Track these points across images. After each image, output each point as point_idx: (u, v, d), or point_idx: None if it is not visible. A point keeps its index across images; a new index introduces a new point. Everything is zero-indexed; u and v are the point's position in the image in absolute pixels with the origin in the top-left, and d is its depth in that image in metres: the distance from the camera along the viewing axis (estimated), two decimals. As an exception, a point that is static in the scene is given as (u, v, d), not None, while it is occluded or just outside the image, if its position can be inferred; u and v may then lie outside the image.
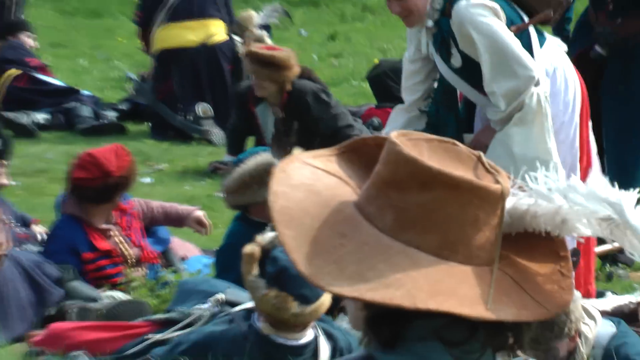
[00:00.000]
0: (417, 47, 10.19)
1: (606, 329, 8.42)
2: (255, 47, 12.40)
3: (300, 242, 2.64)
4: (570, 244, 3.86)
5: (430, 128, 9.39)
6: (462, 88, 9.83)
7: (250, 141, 12.23)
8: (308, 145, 10.78)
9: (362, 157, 3.02)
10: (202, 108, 14.26)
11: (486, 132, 9.77)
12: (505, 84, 9.28)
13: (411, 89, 10.10)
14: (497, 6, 9.10)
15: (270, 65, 12.20)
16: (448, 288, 2.49)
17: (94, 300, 9.50)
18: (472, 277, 2.59)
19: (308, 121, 12.35)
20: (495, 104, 9.49)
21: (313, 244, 2.66)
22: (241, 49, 14.12)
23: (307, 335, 8.22)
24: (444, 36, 9.65)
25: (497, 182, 2.56)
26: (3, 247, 9.29)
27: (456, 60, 9.47)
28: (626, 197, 2.75)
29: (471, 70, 9.43)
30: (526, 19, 9.21)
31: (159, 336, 9.04)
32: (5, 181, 9.91)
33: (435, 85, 9.90)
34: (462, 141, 7.07)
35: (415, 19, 9.53)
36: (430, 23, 9.37)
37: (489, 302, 2.52)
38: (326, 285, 2.48)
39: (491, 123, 9.71)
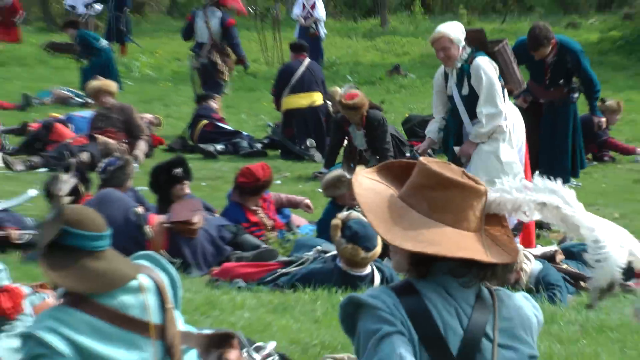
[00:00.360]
0: (439, 88, 10.94)
1: (537, 266, 8.77)
2: (342, 97, 13.62)
3: (378, 221, 3.04)
4: (512, 222, 4.95)
5: (446, 130, 10.68)
6: (461, 110, 10.32)
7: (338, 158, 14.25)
8: (372, 150, 13.13)
9: (391, 172, 3.36)
10: (310, 142, 16.38)
11: (468, 145, 10.35)
12: (489, 109, 10.01)
13: (437, 110, 11.03)
14: (496, 66, 10.14)
15: (353, 107, 13.25)
16: (459, 244, 2.93)
17: (257, 247, 10.03)
18: (472, 237, 3.02)
19: (374, 133, 13.48)
20: (479, 121, 10.11)
21: (384, 221, 3.07)
22: (331, 109, 16.05)
23: (367, 270, 8.73)
24: (463, 74, 10.27)
25: (480, 184, 3.01)
26: (199, 224, 9.75)
27: (465, 90, 10.18)
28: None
29: (471, 98, 10.16)
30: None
31: (284, 270, 9.21)
32: (188, 191, 10.52)
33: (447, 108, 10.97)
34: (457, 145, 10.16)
35: (451, 62, 10.22)
36: (458, 65, 10.20)
37: (487, 252, 2.98)
38: (399, 244, 2.97)
39: (471, 137, 10.24)
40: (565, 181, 9.65)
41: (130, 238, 9.16)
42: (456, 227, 3.02)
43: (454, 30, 10.17)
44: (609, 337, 7.03)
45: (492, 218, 3.23)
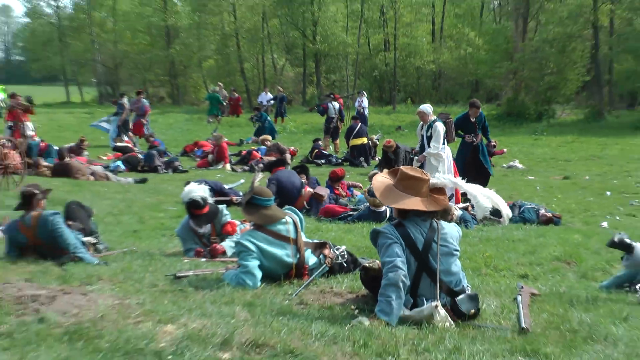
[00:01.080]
0: (418, 132, 16.85)
1: (459, 212, 12.00)
2: (386, 142, 22.04)
3: (380, 195, 6.29)
4: (450, 191, 13.12)
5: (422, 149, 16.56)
6: (425, 142, 16.33)
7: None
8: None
9: (392, 173, 6.55)
10: (362, 159, 25.80)
11: (422, 157, 16.35)
12: (435, 144, 15.95)
13: (419, 141, 16.84)
14: (443, 127, 15.80)
15: (390, 147, 21.60)
16: (415, 203, 5.99)
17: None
18: (422, 200, 6.03)
19: (398, 154, 21.39)
20: (432, 146, 16.03)
21: (383, 195, 6.26)
22: (371, 143, 26.98)
23: (383, 208, 12.21)
24: (429, 127, 16.17)
25: (426, 176, 6.18)
26: (325, 196, 13.96)
27: (428, 133, 16.18)
28: (458, 180, 6.72)
29: (429, 138, 16.10)
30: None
31: (350, 213, 12.85)
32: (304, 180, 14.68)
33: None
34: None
35: (425, 121, 16.37)
36: (428, 123, 16.16)
37: (428, 205, 6.03)
38: (389, 205, 7.91)
39: (425, 153, 16.34)
40: (487, 177, 17.21)
41: (294, 196, 13.54)
42: (415, 196, 6.04)
43: (427, 108, 16.72)
44: (492, 243, 10.31)
45: (438, 190, 6.23)
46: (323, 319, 5.69)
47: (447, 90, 57.32)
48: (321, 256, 7.55)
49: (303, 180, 14.53)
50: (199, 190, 9.29)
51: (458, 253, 6.05)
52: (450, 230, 6.06)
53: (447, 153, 16.33)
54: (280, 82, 54.78)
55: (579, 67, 46.29)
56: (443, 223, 6.06)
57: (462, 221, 11.89)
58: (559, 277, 8.17)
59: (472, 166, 16.82)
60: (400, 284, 5.56)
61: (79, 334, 5.09)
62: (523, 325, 5.46)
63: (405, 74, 57.06)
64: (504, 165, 24.87)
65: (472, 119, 17.06)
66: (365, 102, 35.37)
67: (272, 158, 21.77)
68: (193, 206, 9.16)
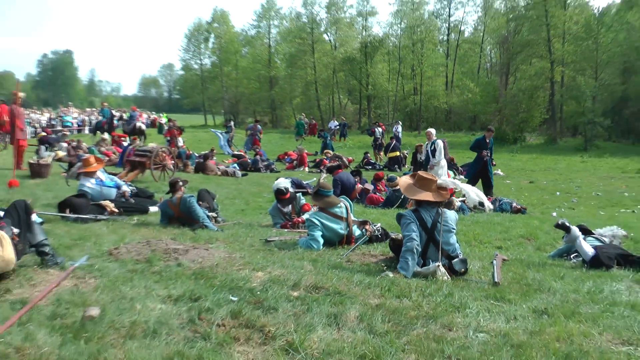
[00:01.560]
0: (424, 147, 17.08)
1: (459, 203, 11.65)
2: (417, 145, 23.10)
3: (406, 191, 6.34)
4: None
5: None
6: (430, 154, 16.19)
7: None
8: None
9: (412, 176, 6.46)
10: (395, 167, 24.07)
11: (431, 166, 15.79)
12: (438, 156, 15.92)
13: (424, 153, 17.23)
14: (445, 144, 16.44)
15: (419, 147, 20.50)
16: (427, 196, 6.00)
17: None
18: (432, 194, 6.06)
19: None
20: (434, 158, 15.98)
21: (406, 190, 6.32)
22: (406, 155, 25.39)
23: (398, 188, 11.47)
24: (433, 144, 16.11)
25: (435, 178, 6.18)
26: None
27: (431, 148, 16.10)
28: (457, 181, 6.70)
29: (432, 151, 16.03)
30: None
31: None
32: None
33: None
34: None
35: (430, 139, 16.27)
36: (432, 141, 15.99)
37: (435, 197, 6.03)
38: (410, 197, 6.41)
39: (431, 162, 16.05)
40: (491, 183, 15.93)
41: (350, 189, 13.32)
42: (427, 191, 6.15)
43: (432, 130, 16.90)
44: (479, 225, 10.28)
45: (443, 188, 6.25)
46: (362, 272, 5.80)
47: (455, 121, 56.92)
48: (363, 230, 7.63)
49: (357, 180, 14.44)
50: (283, 182, 9.51)
51: (455, 230, 6.10)
52: (451, 215, 6.12)
53: (443, 163, 16.24)
54: (343, 113, 55.00)
55: (541, 108, 47.21)
56: (446, 210, 6.13)
57: (460, 209, 11.76)
58: (522, 249, 8.17)
59: (481, 174, 15.79)
60: (414, 250, 5.75)
61: (201, 274, 5.33)
62: (496, 279, 5.57)
63: (427, 110, 56.65)
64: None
65: (487, 140, 15.96)
66: (400, 129, 34.63)
67: (334, 164, 21.71)
68: (279, 193, 9.38)
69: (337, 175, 14.24)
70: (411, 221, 5.92)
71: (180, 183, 9.19)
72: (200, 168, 19.76)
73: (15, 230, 5.34)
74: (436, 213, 6.01)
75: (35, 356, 3.55)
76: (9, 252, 4.94)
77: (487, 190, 15.28)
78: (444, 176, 14.11)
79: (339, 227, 7.43)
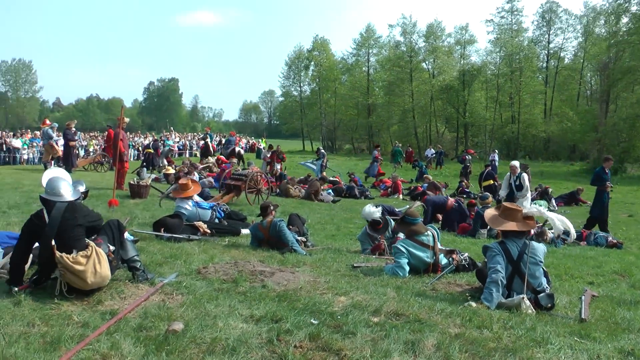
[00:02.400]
0: (506, 180, 14.88)
1: (551, 235, 11.47)
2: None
3: (492, 223, 6.32)
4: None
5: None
6: (514, 188, 14.55)
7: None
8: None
9: (497, 209, 6.43)
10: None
11: (518, 199, 14.17)
12: (525, 192, 14.44)
13: (506, 186, 14.76)
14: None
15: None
16: (512, 226, 5.94)
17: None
18: (517, 224, 6.00)
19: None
20: (522, 192, 14.27)
21: (493, 222, 6.28)
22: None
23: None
24: (517, 177, 14.53)
25: (520, 208, 6.15)
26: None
27: (516, 182, 14.46)
28: (542, 209, 6.54)
29: (517, 186, 14.44)
30: None
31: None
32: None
33: None
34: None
35: (515, 173, 14.49)
36: (517, 175, 14.32)
37: (521, 227, 5.99)
38: (496, 228, 6.33)
39: (517, 195, 14.40)
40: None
41: (443, 206, 13.93)
42: (512, 221, 6.10)
43: (516, 163, 14.99)
44: (571, 259, 9.77)
45: (529, 217, 6.19)
46: (445, 300, 5.77)
47: (553, 150, 56.02)
48: (450, 258, 7.56)
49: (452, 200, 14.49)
50: (374, 210, 9.28)
51: (542, 263, 5.97)
52: (539, 247, 6.00)
53: (528, 195, 14.97)
54: (440, 141, 54.17)
55: None
56: (534, 242, 6.02)
57: (552, 241, 11.47)
58: (615, 286, 7.83)
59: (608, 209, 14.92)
60: (499, 282, 5.66)
61: (285, 296, 5.43)
62: (582, 316, 5.38)
63: (524, 138, 55.93)
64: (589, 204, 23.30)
65: (606, 171, 14.83)
66: (496, 157, 34.03)
67: (431, 192, 20.94)
68: (375, 223, 9.23)
69: (426, 198, 14.34)
70: (497, 253, 5.87)
71: (272, 207, 9.29)
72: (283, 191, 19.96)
73: (112, 248, 5.65)
74: (523, 244, 5.90)
75: (119, 365, 3.77)
76: (106, 269, 5.25)
77: (603, 225, 14.50)
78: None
79: (425, 256, 7.37)
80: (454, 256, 7.61)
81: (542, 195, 21.00)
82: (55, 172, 6.30)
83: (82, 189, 7.83)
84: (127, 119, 16.44)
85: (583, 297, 5.89)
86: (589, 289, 6.66)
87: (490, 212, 6.46)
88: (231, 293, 5.60)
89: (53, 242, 5.25)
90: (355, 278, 6.76)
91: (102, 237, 5.69)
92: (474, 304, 5.56)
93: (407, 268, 7.18)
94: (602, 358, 4.27)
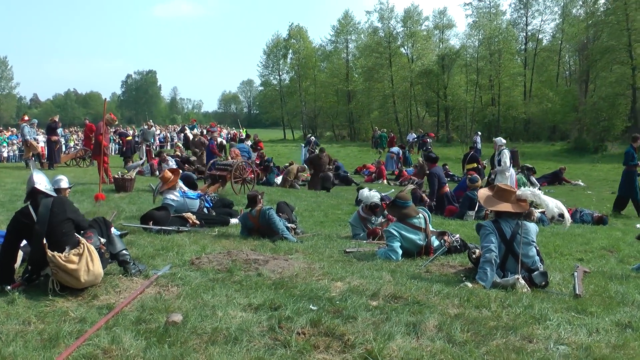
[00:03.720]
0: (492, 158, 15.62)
1: (538, 214, 11.49)
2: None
3: (485, 203, 6.26)
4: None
5: None
6: (496, 163, 15.10)
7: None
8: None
9: (491, 189, 6.39)
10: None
11: (495, 172, 15.04)
12: (504, 165, 14.57)
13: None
14: (509, 154, 15.71)
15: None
16: (506, 207, 5.94)
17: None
18: (511, 205, 5.98)
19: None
20: (501, 166, 14.69)
21: (487, 202, 6.22)
22: (485, 166, 22.53)
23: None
24: (499, 153, 14.96)
25: (513, 189, 6.11)
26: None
27: (498, 157, 14.99)
28: (536, 191, 6.39)
29: (498, 161, 14.98)
30: None
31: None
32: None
33: None
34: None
35: (496, 149, 14.89)
36: (498, 150, 14.90)
37: (515, 209, 5.96)
38: (489, 208, 6.51)
39: (496, 170, 14.88)
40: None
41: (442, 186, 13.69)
42: (506, 202, 6.08)
43: (499, 140, 15.43)
44: (559, 237, 9.81)
45: (521, 199, 6.14)
46: (440, 282, 5.77)
47: (534, 131, 55.75)
48: (442, 240, 7.57)
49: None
50: (372, 194, 9.27)
51: (535, 243, 5.99)
52: (531, 227, 6.03)
53: (511, 172, 15.20)
54: (421, 126, 53.95)
55: (622, 116, 45.36)
56: (526, 222, 6.04)
57: (539, 221, 11.56)
58: (604, 261, 7.91)
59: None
60: (493, 261, 5.69)
61: (281, 284, 5.41)
62: (577, 292, 5.46)
63: (505, 120, 55.75)
64: (572, 183, 23.81)
65: (635, 147, 14.65)
66: (479, 139, 33.72)
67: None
68: (375, 207, 9.18)
69: (432, 169, 14.08)
70: (490, 232, 5.87)
71: (259, 196, 9.28)
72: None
73: (102, 240, 5.62)
74: (516, 225, 5.91)
75: (121, 358, 3.70)
76: (98, 267, 5.21)
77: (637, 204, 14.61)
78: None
79: (418, 238, 7.40)
80: (445, 238, 7.64)
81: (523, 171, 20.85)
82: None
83: (64, 184, 7.87)
84: (114, 117, 16.59)
85: (575, 274, 5.99)
86: (581, 266, 6.71)
87: (484, 193, 6.43)
88: (227, 282, 5.57)
89: (45, 241, 5.20)
90: (349, 263, 6.77)
91: (92, 231, 5.66)
92: (469, 284, 5.59)
93: (400, 251, 7.20)
94: (600, 332, 4.31)
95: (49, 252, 5.10)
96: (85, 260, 5.14)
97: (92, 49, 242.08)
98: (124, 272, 5.80)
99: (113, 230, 6.18)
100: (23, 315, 4.54)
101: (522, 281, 5.60)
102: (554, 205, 6.36)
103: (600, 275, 6.68)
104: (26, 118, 23.64)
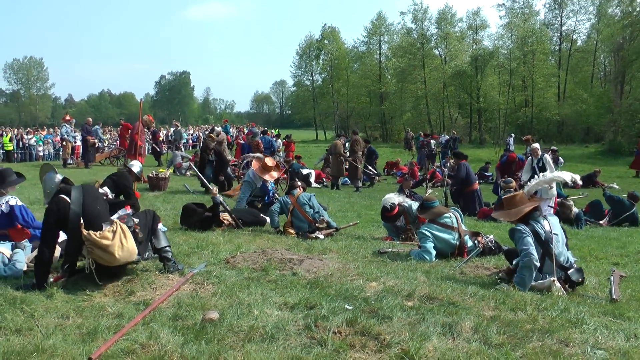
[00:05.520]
0: (528, 164, 13.55)
1: (575, 210, 12.16)
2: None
3: (503, 217, 6.29)
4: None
5: None
6: (537, 171, 12.54)
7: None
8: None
9: (501, 206, 6.33)
10: None
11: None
12: (550, 170, 12.71)
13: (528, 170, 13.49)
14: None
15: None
16: (520, 211, 5.83)
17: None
18: (524, 206, 5.83)
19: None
20: (548, 171, 13.53)
21: (504, 217, 6.20)
22: None
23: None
24: (540, 159, 13.46)
25: (519, 191, 6.94)
26: None
27: (539, 164, 13.20)
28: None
29: (540, 168, 12.96)
30: None
31: None
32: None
33: None
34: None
35: (537, 155, 13.35)
36: (539, 157, 14.23)
37: (528, 206, 5.81)
38: (509, 221, 6.24)
39: (550, 175, 13.83)
40: None
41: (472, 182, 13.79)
42: (522, 205, 5.90)
43: (538, 145, 14.26)
44: (594, 240, 9.92)
45: (533, 195, 6.43)
46: (475, 284, 5.77)
47: (567, 133, 54.70)
48: (476, 241, 7.57)
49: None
50: (391, 199, 9.09)
51: (565, 238, 5.94)
52: (555, 220, 5.96)
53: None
54: (454, 127, 53.45)
55: None
56: (549, 217, 5.94)
57: (577, 219, 11.48)
58: (640, 266, 7.95)
59: None
60: (532, 267, 5.57)
61: (316, 283, 5.45)
62: (614, 296, 5.39)
63: (538, 122, 55.06)
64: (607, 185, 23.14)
65: None
66: (512, 141, 33.68)
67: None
68: (384, 210, 9.03)
69: (463, 162, 14.17)
70: (527, 234, 5.70)
71: (299, 183, 9.88)
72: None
73: (136, 220, 5.72)
74: (544, 222, 5.79)
75: (159, 353, 3.75)
76: (132, 244, 5.33)
77: None
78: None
79: (451, 238, 7.44)
80: (479, 239, 7.62)
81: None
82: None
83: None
84: (146, 117, 16.71)
85: (612, 278, 5.87)
86: (617, 270, 6.57)
87: (499, 214, 6.35)
88: (262, 281, 5.61)
89: (81, 221, 5.31)
90: (383, 264, 6.79)
91: (127, 214, 5.79)
92: (505, 287, 5.55)
93: (434, 252, 7.22)
94: (639, 337, 4.24)
95: (84, 231, 5.21)
96: (119, 236, 5.26)
97: (125, 50, 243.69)
98: (161, 269, 5.88)
99: (160, 225, 6.26)
100: (62, 310, 4.63)
101: (558, 284, 5.55)
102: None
103: (637, 279, 6.61)
104: (67, 117, 24.24)
